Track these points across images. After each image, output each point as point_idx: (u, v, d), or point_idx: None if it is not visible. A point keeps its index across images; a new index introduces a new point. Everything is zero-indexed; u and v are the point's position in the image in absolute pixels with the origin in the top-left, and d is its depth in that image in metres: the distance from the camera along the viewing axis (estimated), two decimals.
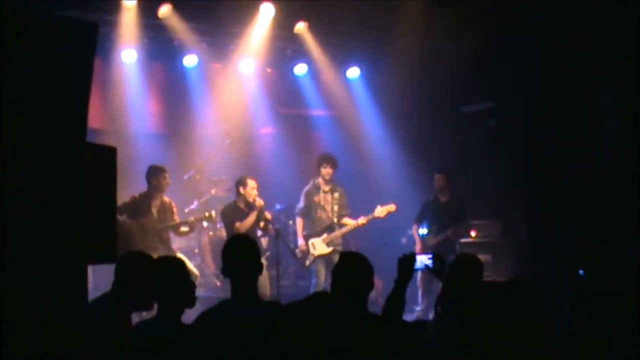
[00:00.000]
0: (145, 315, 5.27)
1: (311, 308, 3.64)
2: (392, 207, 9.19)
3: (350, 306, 4.01)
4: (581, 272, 4.37)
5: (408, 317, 9.46)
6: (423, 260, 4.72)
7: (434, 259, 4.64)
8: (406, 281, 4.23)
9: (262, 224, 8.80)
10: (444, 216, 9.74)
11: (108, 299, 4.17)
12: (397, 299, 4.17)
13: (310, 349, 3.70)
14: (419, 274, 9.30)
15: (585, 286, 4.38)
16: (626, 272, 4.44)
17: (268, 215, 8.81)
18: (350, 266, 4.14)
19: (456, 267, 4.38)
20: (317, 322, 3.76)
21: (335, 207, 9.30)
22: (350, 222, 9.27)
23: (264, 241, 9.54)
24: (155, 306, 4.11)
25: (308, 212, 9.26)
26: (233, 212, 8.81)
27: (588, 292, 4.37)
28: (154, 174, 8.69)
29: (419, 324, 4.42)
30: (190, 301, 4.11)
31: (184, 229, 8.93)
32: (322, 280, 8.91)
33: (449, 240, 9.66)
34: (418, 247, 9.61)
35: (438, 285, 8.97)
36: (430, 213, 9.78)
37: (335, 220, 9.26)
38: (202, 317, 4.03)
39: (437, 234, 9.67)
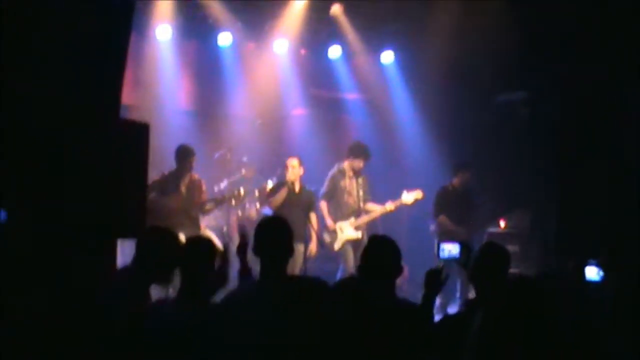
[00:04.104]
0: (171, 293, 5.29)
1: (341, 293, 3.66)
2: (419, 194, 9.12)
3: (378, 290, 3.99)
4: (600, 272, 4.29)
5: None
6: (450, 248, 4.65)
7: (460, 248, 4.58)
8: (434, 295, 4.18)
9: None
10: (464, 205, 9.66)
11: (128, 270, 4.18)
12: (425, 311, 4.13)
13: (339, 332, 3.70)
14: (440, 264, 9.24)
15: (608, 286, 4.31)
16: None
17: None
18: (380, 250, 4.11)
19: (482, 258, 4.32)
20: (346, 307, 3.77)
21: (361, 192, 9.25)
22: (376, 208, 9.22)
23: None
24: (180, 285, 4.12)
25: (332, 197, 9.21)
26: (274, 190, 8.92)
27: (609, 292, 4.30)
28: (183, 154, 8.71)
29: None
30: (220, 282, 4.12)
31: (209, 206, 8.95)
32: (350, 264, 8.89)
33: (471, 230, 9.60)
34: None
35: (458, 278, 9.00)
36: (449, 202, 9.66)
37: (361, 205, 9.23)
38: (230, 297, 4.03)
39: (459, 223, 9.57)
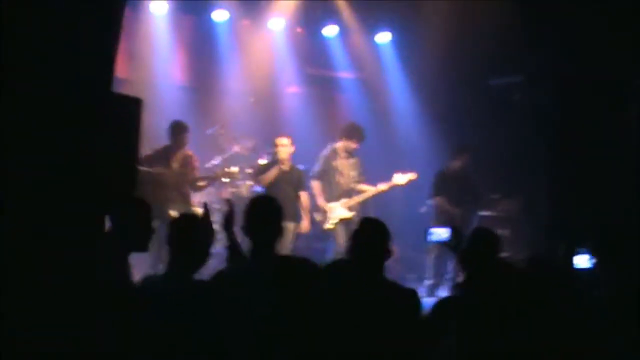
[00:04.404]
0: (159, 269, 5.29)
1: (330, 274, 3.66)
2: (413, 176, 9.12)
3: (367, 273, 3.99)
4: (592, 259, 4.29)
5: (419, 290, 9.48)
6: (439, 232, 4.65)
7: (451, 232, 4.58)
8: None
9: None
10: (463, 188, 9.67)
11: (105, 238, 4.20)
12: None
13: (328, 314, 3.71)
14: (431, 247, 9.29)
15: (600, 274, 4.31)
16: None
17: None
18: (369, 232, 4.11)
19: (473, 243, 4.33)
20: (335, 289, 3.77)
21: (353, 173, 9.24)
22: (369, 189, 9.22)
23: None
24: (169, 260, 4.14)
25: (324, 176, 9.19)
26: (263, 169, 8.92)
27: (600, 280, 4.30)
28: (177, 130, 8.69)
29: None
30: (202, 261, 4.10)
31: (201, 183, 8.94)
32: (340, 244, 8.88)
33: (469, 213, 9.62)
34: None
35: (450, 261, 9.03)
36: (448, 185, 9.67)
37: (353, 185, 9.22)
38: (219, 275, 4.02)
39: (456, 205, 9.59)
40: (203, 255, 4.08)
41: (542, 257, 4.18)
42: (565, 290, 3.97)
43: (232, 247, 4.32)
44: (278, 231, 4.07)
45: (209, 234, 4.19)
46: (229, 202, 4.75)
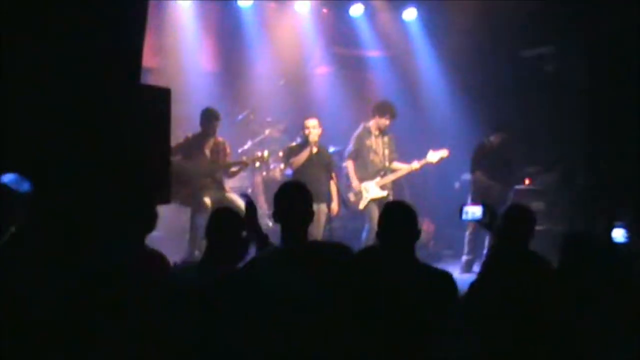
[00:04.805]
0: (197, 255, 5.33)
1: (361, 262, 3.64)
2: (444, 153, 9.06)
3: (398, 258, 3.95)
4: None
5: (455, 266, 9.50)
6: (473, 211, 4.59)
7: (484, 210, 4.52)
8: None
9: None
10: (500, 163, 9.60)
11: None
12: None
13: (360, 302, 3.70)
14: (467, 223, 9.23)
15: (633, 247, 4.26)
16: None
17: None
18: (394, 217, 4.06)
19: (507, 221, 4.26)
20: (365, 277, 3.75)
21: (386, 151, 9.20)
22: (402, 167, 9.18)
23: None
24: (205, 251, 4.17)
25: (358, 156, 9.17)
26: (294, 151, 8.87)
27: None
28: (208, 118, 8.70)
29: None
30: (239, 257, 4.12)
31: (234, 169, 8.96)
32: (375, 223, 8.84)
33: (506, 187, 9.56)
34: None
35: (486, 236, 8.98)
36: (487, 159, 9.60)
37: (387, 164, 9.19)
38: (251, 262, 4.02)
39: (495, 180, 9.52)
40: (242, 248, 4.11)
41: (580, 232, 4.12)
42: (606, 267, 3.91)
43: (257, 237, 4.32)
44: (308, 216, 4.05)
45: (252, 228, 4.22)
46: (246, 198, 4.75)
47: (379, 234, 4.03)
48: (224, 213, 4.31)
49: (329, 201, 8.65)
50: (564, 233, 4.10)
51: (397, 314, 3.71)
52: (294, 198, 4.07)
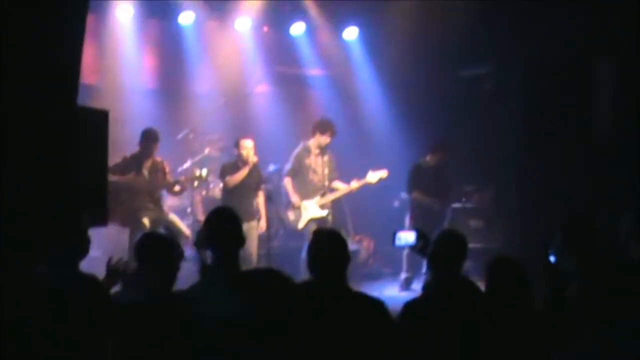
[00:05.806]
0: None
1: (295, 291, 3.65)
2: (384, 173, 9.12)
3: (329, 287, 3.97)
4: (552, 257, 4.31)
5: (394, 284, 9.58)
6: (406, 237, 4.63)
7: (417, 236, 4.56)
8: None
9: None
10: (438, 181, 9.69)
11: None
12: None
13: (293, 331, 3.73)
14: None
15: (566, 262, 4.35)
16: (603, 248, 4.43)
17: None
18: (324, 245, 4.09)
19: (439, 246, 4.30)
20: (298, 306, 3.78)
21: (326, 170, 9.25)
22: (341, 187, 9.23)
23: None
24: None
25: (297, 174, 9.20)
26: (230, 170, 8.89)
27: (569, 267, 4.34)
28: (147, 138, 8.66)
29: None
30: (171, 279, 4.09)
31: (176, 188, 8.92)
32: None
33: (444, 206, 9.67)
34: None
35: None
36: (424, 178, 9.68)
37: (327, 183, 9.23)
38: (186, 292, 4.02)
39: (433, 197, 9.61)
40: (170, 274, 4.09)
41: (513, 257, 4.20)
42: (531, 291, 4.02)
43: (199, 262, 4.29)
44: (240, 242, 4.10)
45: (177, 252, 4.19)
46: (166, 230, 4.76)
47: (309, 265, 4.04)
48: (151, 240, 4.27)
49: (258, 218, 8.78)
50: (487, 260, 4.17)
51: (331, 346, 3.73)
52: (226, 223, 4.11)
